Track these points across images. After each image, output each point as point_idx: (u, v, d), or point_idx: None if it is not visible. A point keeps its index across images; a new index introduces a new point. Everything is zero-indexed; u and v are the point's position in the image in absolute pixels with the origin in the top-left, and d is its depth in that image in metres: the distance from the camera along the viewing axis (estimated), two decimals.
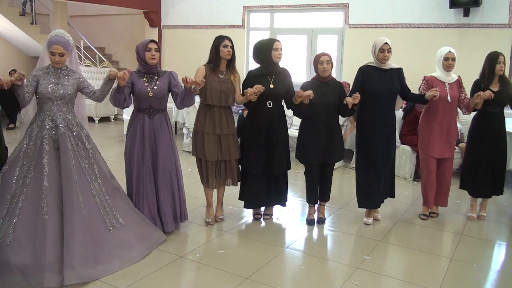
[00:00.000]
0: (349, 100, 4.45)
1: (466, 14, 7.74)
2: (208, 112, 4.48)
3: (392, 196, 4.98)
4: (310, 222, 4.81)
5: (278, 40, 4.55)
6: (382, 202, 4.90)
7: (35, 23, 11.83)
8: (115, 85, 4.04)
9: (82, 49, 12.05)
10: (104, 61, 12.13)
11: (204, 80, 4.15)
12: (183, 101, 4.26)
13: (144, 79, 4.21)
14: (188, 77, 4.04)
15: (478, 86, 4.82)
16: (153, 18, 11.06)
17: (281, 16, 9.95)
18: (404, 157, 6.69)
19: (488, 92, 4.59)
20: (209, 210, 4.76)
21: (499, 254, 4.43)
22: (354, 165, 6.91)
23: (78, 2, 10.60)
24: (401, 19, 8.38)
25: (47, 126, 3.76)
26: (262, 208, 4.95)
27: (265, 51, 4.49)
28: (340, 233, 4.66)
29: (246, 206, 4.83)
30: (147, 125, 4.24)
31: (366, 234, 4.63)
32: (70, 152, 3.74)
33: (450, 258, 4.10)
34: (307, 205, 4.93)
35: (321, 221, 4.83)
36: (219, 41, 4.44)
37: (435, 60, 4.90)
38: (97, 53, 12.25)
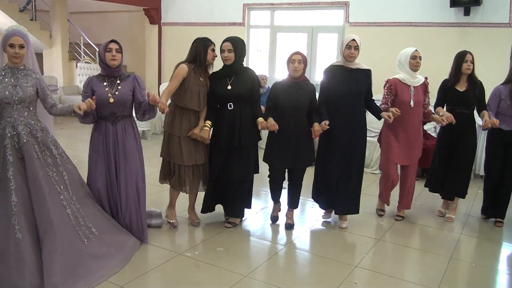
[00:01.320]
0: (316, 128, 4.29)
1: (467, 13, 7.71)
2: (184, 114, 4.28)
3: (355, 210, 4.72)
4: (273, 219, 4.76)
5: (213, 43, 4.32)
6: (337, 208, 4.70)
7: (35, 20, 11.81)
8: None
9: (82, 45, 12.03)
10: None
11: (167, 108, 3.96)
12: (144, 115, 3.99)
13: (105, 83, 3.89)
14: (152, 94, 3.78)
15: (445, 85, 4.78)
16: (153, 15, 11.03)
17: (282, 14, 9.93)
18: None
19: (450, 118, 4.53)
20: (172, 211, 4.57)
21: (499, 253, 4.42)
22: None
23: None
24: (402, 17, 8.35)
25: (9, 134, 3.44)
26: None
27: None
28: (339, 231, 4.66)
29: (202, 211, 4.63)
30: (111, 133, 3.91)
31: (365, 232, 4.62)
32: (36, 161, 3.44)
33: (449, 257, 4.10)
34: (306, 203, 4.92)
35: (290, 226, 4.64)
36: (207, 43, 4.27)
37: (396, 62, 4.77)
38: (97, 50, 12.20)
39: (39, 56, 12.27)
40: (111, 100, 3.85)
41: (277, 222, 4.78)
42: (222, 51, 4.29)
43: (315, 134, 4.35)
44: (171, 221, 4.53)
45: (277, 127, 4.18)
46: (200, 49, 4.25)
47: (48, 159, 3.55)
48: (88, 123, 3.94)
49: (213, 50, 4.31)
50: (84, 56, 11.93)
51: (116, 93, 3.88)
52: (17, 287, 3.13)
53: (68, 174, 3.66)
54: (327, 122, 4.27)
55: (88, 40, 12.20)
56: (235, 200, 4.54)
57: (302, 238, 4.49)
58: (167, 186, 4.59)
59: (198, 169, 4.43)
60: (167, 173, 4.48)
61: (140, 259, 3.87)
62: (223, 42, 4.32)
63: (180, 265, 3.84)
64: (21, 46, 3.48)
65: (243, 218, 4.75)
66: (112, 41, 3.90)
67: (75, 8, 12.75)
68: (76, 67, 11.71)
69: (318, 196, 4.79)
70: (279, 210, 4.80)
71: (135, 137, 4.06)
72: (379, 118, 4.55)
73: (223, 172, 4.40)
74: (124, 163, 3.96)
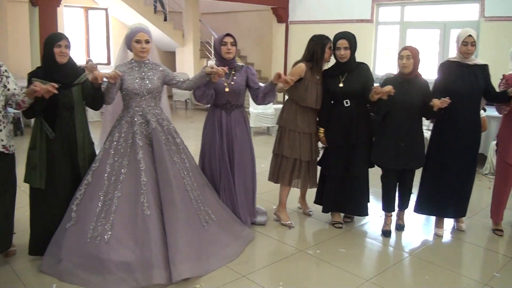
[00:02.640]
0: (436, 103, 3.96)
1: None
2: (302, 111, 4.34)
3: (465, 213, 4.44)
4: (386, 233, 4.37)
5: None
6: (449, 214, 4.42)
7: (168, 20, 12.53)
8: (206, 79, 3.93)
9: (212, 44, 12.53)
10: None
11: (292, 79, 4.00)
12: (265, 97, 4.14)
13: None
14: (282, 74, 3.91)
15: None
16: (281, 14, 11.18)
17: (412, 9, 9.53)
18: None
19: None
20: (284, 212, 4.56)
21: None
22: (486, 172, 6.46)
23: (209, 0, 11.03)
24: None
25: (138, 122, 3.70)
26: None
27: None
28: (468, 244, 4.31)
29: (324, 211, 4.57)
30: (224, 121, 4.15)
31: (497, 248, 4.25)
32: (164, 146, 3.70)
33: None
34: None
35: (400, 227, 4.46)
36: (324, 41, 4.24)
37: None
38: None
39: (172, 54, 13.02)
40: (227, 89, 4.07)
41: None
42: (337, 48, 4.20)
43: (435, 104, 3.98)
44: (287, 223, 4.51)
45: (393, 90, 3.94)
46: (317, 47, 4.24)
47: (172, 146, 3.78)
48: (203, 104, 4.18)
49: (330, 48, 4.26)
50: (214, 54, 12.41)
51: (232, 83, 4.10)
52: (144, 259, 3.33)
53: (189, 162, 3.88)
54: (447, 99, 3.94)
55: None
56: (358, 198, 4.45)
57: (427, 247, 4.23)
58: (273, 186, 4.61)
59: (313, 165, 4.50)
60: (277, 169, 4.49)
61: (262, 251, 3.95)
62: (337, 39, 4.20)
63: (301, 261, 3.82)
64: (147, 41, 3.71)
65: (366, 217, 4.64)
66: (228, 34, 4.06)
67: (206, 9, 13.31)
68: (207, 64, 12.22)
69: (427, 203, 4.43)
70: (391, 222, 4.49)
71: (246, 127, 4.28)
72: (508, 98, 4.10)
73: (343, 169, 4.33)
74: (239, 151, 4.18)
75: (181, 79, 3.92)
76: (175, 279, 3.31)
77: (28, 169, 3.57)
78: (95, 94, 3.63)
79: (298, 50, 11.63)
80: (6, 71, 3.53)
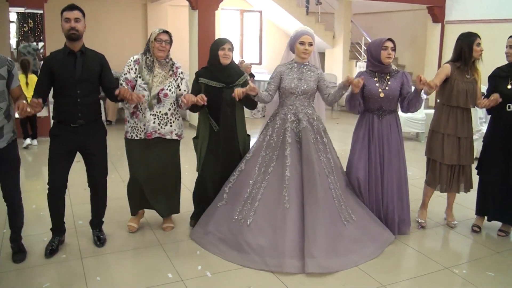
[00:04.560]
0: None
1: None
2: (450, 112, 4.23)
3: None
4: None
5: None
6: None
7: (320, 22, 12.58)
8: (348, 92, 4.02)
9: (362, 45, 12.34)
10: None
11: (435, 84, 3.95)
12: (409, 104, 4.05)
13: (375, 78, 4.06)
14: (423, 77, 3.81)
15: None
16: (437, 13, 10.60)
17: None
18: None
19: None
20: (423, 211, 4.56)
21: None
22: None
23: (362, 0, 10.85)
24: None
25: (290, 120, 3.94)
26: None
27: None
28: None
29: (488, 219, 4.38)
30: (376, 127, 4.09)
31: None
32: (312, 145, 3.86)
33: None
34: None
35: None
36: (471, 38, 4.13)
37: None
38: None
39: (322, 55, 13.06)
40: (381, 95, 4.02)
41: None
42: (510, 47, 4.08)
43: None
44: (420, 221, 4.47)
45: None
46: (464, 45, 4.15)
47: (319, 146, 3.95)
48: (355, 113, 4.19)
49: (478, 44, 4.11)
50: (364, 55, 12.20)
51: (386, 88, 4.04)
52: (278, 247, 3.59)
53: (334, 161, 4.03)
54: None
55: (370, 40, 12.42)
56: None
57: None
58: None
59: (458, 170, 4.32)
60: (427, 171, 4.47)
61: (407, 262, 3.85)
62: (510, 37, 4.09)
63: (446, 279, 3.58)
64: (310, 44, 3.91)
65: None
66: (389, 39, 4.04)
67: (359, 9, 13.13)
68: (356, 66, 12.08)
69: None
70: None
71: (398, 133, 4.17)
72: None
73: (503, 175, 4.14)
74: (389, 157, 4.09)
75: (330, 93, 4.03)
76: (308, 271, 3.48)
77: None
78: (248, 101, 4.05)
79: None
80: (182, 73, 4.06)
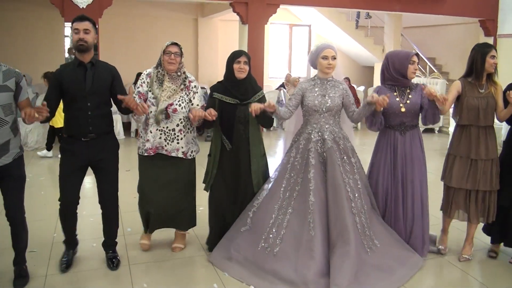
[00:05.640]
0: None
1: None
2: (463, 132, 3.89)
3: None
4: None
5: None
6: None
7: (369, 36, 12.55)
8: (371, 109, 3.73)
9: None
10: (434, 71, 12.03)
11: (445, 98, 3.67)
12: (426, 116, 3.88)
13: (396, 93, 3.85)
14: (432, 91, 3.67)
15: None
16: (489, 26, 10.38)
17: None
18: None
19: None
20: (444, 237, 4.15)
21: None
22: None
23: (413, 14, 10.77)
24: None
25: (314, 139, 3.71)
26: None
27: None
28: None
29: (506, 245, 4.04)
30: (399, 143, 3.87)
31: None
32: (338, 167, 3.63)
33: None
34: None
35: None
36: (485, 50, 3.80)
37: None
38: (428, 63, 12.22)
39: (371, 69, 13.00)
40: (403, 109, 3.82)
41: None
42: None
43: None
44: (440, 247, 4.11)
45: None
46: (477, 56, 3.83)
47: (346, 166, 3.70)
48: (374, 131, 3.96)
49: (493, 57, 3.79)
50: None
51: (407, 102, 3.84)
52: (302, 276, 3.37)
53: (361, 183, 3.76)
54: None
55: (420, 54, 12.28)
56: None
57: None
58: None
59: (475, 196, 3.90)
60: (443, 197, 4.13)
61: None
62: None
63: None
64: (333, 58, 3.70)
65: None
66: (415, 54, 3.87)
67: (409, 23, 13.01)
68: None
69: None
70: None
71: (421, 148, 3.95)
72: None
73: None
74: (412, 174, 3.87)
75: (355, 110, 3.80)
76: None
77: (205, 173, 3.98)
78: (264, 119, 3.81)
79: (507, 66, 10.74)
80: (195, 86, 3.86)
